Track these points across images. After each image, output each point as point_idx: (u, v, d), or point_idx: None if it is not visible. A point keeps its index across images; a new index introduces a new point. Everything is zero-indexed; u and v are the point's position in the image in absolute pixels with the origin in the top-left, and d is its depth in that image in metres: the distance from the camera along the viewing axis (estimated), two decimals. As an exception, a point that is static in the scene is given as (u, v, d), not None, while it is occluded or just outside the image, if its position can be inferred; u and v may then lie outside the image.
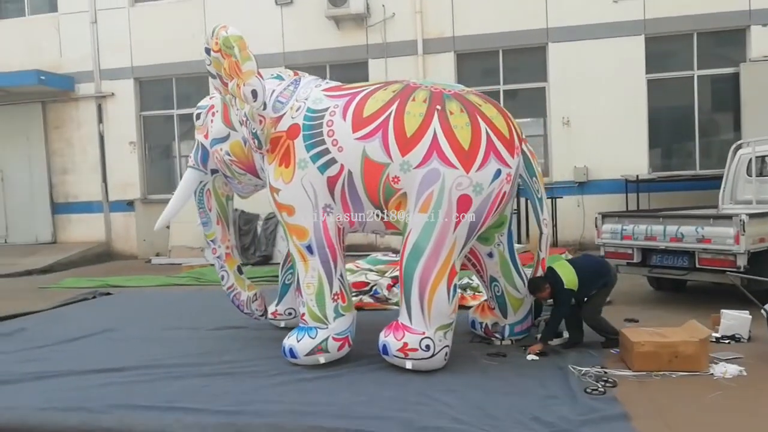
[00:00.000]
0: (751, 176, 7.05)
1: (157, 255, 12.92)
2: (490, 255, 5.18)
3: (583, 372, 4.31)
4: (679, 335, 4.39)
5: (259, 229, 11.93)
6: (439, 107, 4.51)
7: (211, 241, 5.66)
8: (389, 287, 7.15)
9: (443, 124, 4.43)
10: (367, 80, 11.78)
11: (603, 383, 4.09)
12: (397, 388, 4.18)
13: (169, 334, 6.09)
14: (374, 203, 4.65)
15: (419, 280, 4.40)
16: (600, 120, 11.06)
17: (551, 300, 5.09)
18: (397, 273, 7.30)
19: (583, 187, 11.24)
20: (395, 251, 10.21)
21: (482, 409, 3.72)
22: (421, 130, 4.43)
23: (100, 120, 13.54)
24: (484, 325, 5.37)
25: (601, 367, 4.43)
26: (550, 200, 10.89)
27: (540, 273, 4.97)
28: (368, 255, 9.22)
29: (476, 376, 4.40)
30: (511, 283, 5.19)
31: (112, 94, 13.40)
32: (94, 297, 8.54)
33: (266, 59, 12.24)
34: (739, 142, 7.74)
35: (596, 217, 6.72)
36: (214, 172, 5.49)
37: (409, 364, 4.43)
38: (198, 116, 5.45)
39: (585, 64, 11.12)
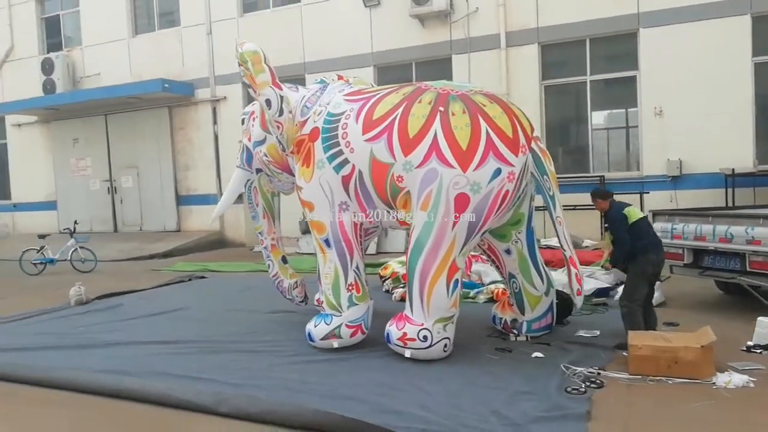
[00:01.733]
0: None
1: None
2: (508, 252, 5.25)
3: (575, 372, 4.30)
4: (683, 341, 4.20)
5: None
6: (442, 108, 4.69)
7: (259, 233, 6.30)
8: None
9: (444, 125, 4.61)
10: (451, 77, 11.98)
11: (588, 384, 4.07)
12: (391, 374, 4.49)
13: (230, 314, 6.86)
14: (384, 201, 4.94)
15: (419, 274, 4.64)
16: (696, 109, 10.22)
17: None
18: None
19: (677, 181, 10.48)
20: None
21: (452, 399, 3.92)
22: (422, 131, 4.65)
23: (215, 121, 15.00)
24: (503, 321, 5.45)
25: (600, 368, 4.37)
26: (637, 195, 10.38)
27: (574, 272, 4.71)
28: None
29: (469, 368, 4.56)
30: (529, 280, 5.22)
31: (225, 97, 14.78)
32: (189, 279, 9.68)
33: (357, 60, 12.96)
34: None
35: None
36: (258, 171, 6.09)
37: (407, 353, 4.70)
38: (243, 121, 6.09)
39: (680, 50, 10.33)
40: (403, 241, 12.09)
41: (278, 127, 5.19)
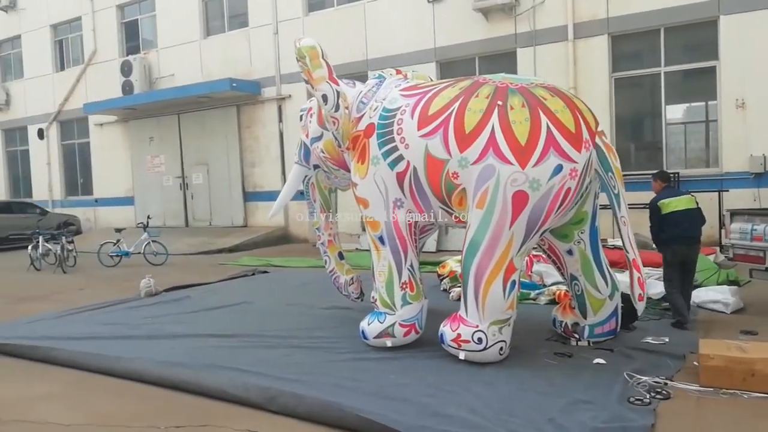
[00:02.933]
0: None
1: (323, 240, 14.27)
2: (570, 252, 5.03)
3: (639, 381, 4.05)
4: (760, 351, 3.87)
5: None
6: (500, 102, 4.53)
7: (317, 228, 6.34)
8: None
9: (502, 120, 4.45)
10: (516, 71, 11.67)
11: (654, 395, 3.82)
12: (442, 376, 4.38)
13: (289, 309, 6.95)
14: (438, 198, 4.84)
15: (474, 274, 4.51)
16: (784, 101, 9.49)
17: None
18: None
19: (761, 178, 9.76)
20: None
21: (505, 404, 3.77)
22: (479, 127, 4.50)
23: (280, 119, 15.32)
24: (563, 324, 5.23)
25: (667, 378, 4.10)
26: (715, 193, 9.75)
27: (636, 275, 4.48)
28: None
29: (525, 373, 4.38)
30: (592, 282, 4.97)
31: (290, 96, 15.06)
32: (253, 274, 9.92)
33: (419, 56, 12.87)
34: None
35: (724, 214, 5.98)
36: (316, 167, 6.12)
37: (461, 355, 4.58)
38: (301, 118, 6.13)
39: (764, 37, 9.59)
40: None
41: (334, 123, 5.19)
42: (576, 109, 4.58)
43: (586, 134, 4.49)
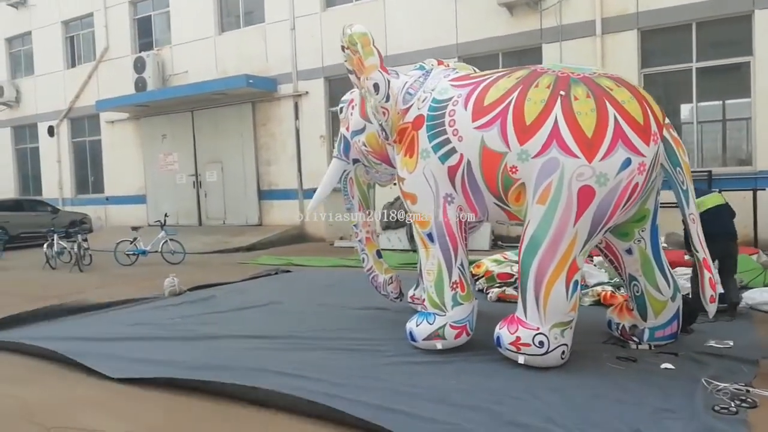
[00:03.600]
0: None
1: (341, 238, 14.04)
2: (629, 252, 4.78)
3: (719, 388, 3.80)
4: None
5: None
6: (563, 92, 4.29)
7: (354, 225, 6.10)
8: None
9: (566, 111, 4.21)
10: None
11: (738, 403, 3.57)
12: (503, 381, 4.14)
13: (320, 309, 6.72)
14: (493, 193, 4.60)
15: (535, 274, 4.27)
16: (823, 97, 9.23)
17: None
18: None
19: (796, 177, 9.51)
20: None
21: (582, 413, 3.53)
22: (541, 118, 4.26)
23: (297, 116, 15.09)
24: (620, 327, 4.98)
25: (746, 385, 3.85)
26: (750, 192, 9.50)
27: (707, 276, 4.26)
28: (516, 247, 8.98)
29: (592, 378, 4.14)
30: (653, 283, 4.72)
31: (307, 92, 14.83)
32: (276, 273, 9.69)
33: (441, 51, 12.57)
34: None
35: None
36: (355, 161, 5.89)
37: (521, 359, 4.34)
38: (341, 110, 5.90)
39: (804, 32, 9.36)
40: (488, 239, 11.67)
41: (384, 114, 4.95)
42: (643, 99, 4.34)
43: (654, 126, 4.25)
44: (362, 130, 5.52)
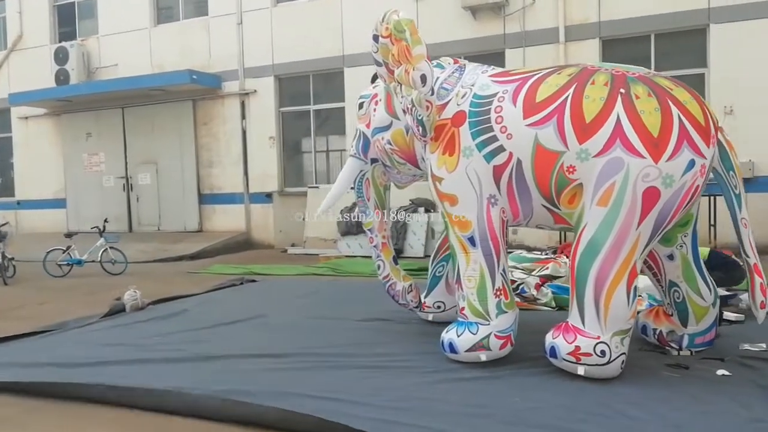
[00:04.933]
0: None
1: (293, 245, 13.39)
2: (671, 257, 4.65)
3: (793, 394, 3.72)
4: None
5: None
6: (623, 90, 4.09)
7: (369, 230, 5.62)
8: (537, 287, 6.75)
9: (628, 109, 4.01)
10: (503, 71, 11.41)
11: (823, 409, 3.48)
12: (570, 396, 3.85)
13: (318, 323, 6.14)
14: (544, 194, 4.32)
15: (595, 279, 4.02)
16: (771, 109, 9.83)
17: None
18: (545, 272, 6.98)
19: (748, 184, 9.95)
20: (528, 249, 9.76)
21: (678, 428, 3.30)
22: (602, 116, 4.04)
23: (243, 116, 14.27)
24: (657, 332, 4.85)
25: (814, 389, 3.80)
26: (705, 198, 9.91)
27: (758, 281, 4.13)
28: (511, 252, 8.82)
29: (659, 388, 3.94)
30: (695, 289, 4.61)
31: (255, 91, 14.06)
32: (241, 283, 8.94)
33: (400, 53, 12.28)
34: None
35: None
36: (373, 161, 5.44)
37: (581, 370, 4.07)
38: (361, 105, 5.43)
39: (754, 47, 9.93)
40: None
41: (427, 108, 4.54)
42: (701, 101, 4.24)
43: (712, 129, 4.16)
44: (387, 127, 5.09)
